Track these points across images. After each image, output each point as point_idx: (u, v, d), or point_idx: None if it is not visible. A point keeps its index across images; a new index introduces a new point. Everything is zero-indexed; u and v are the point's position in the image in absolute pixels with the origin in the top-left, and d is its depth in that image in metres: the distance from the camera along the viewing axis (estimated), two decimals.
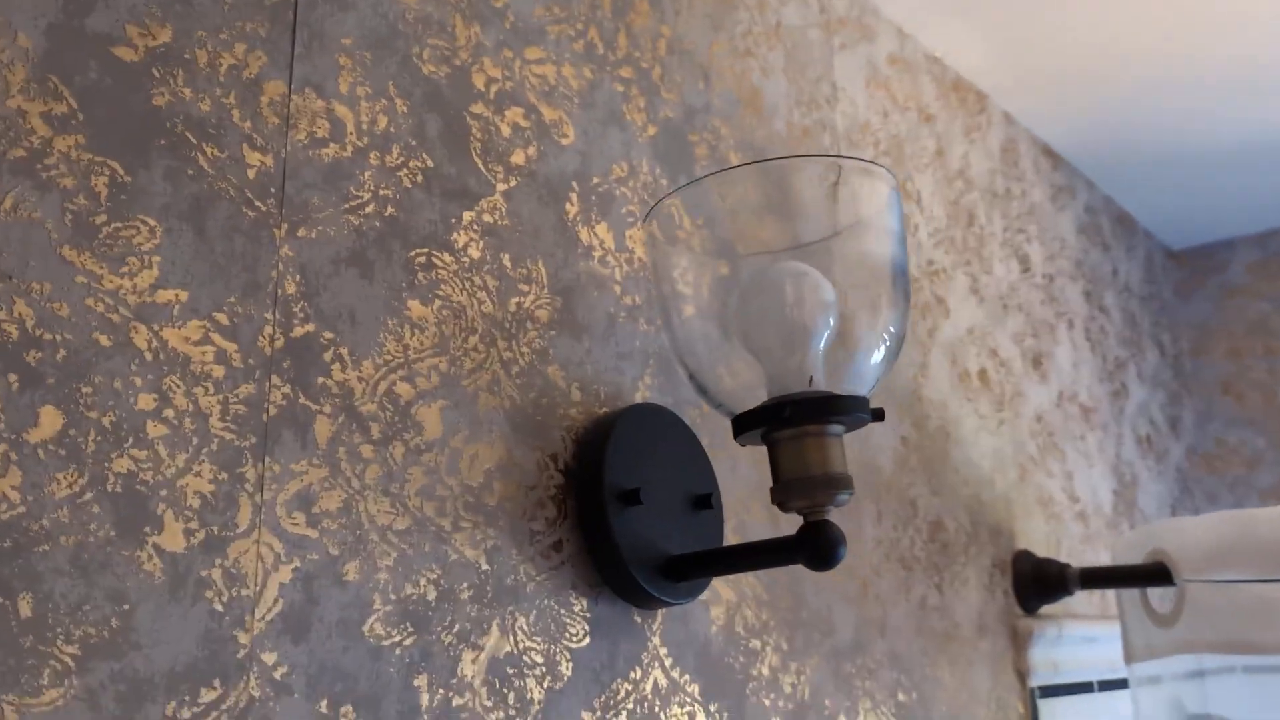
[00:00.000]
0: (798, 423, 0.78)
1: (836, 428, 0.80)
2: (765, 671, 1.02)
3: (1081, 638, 1.55)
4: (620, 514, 0.85)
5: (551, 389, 0.87)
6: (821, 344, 0.82)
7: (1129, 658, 1.43)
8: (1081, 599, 1.63)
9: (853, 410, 0.80)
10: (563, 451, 0.87)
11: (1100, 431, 1.82)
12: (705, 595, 0.97)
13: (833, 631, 1.12)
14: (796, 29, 1.27)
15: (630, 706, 0.87)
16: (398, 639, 0.72)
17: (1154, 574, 1.38)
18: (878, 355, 0.84)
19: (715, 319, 0.84)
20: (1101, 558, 1.68)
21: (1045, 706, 1.46)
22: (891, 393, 1.30)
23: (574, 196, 0.93)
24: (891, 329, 0.85)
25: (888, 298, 0.86)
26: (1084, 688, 1.56)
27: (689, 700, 0.93)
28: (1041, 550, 1.56)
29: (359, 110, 0.78)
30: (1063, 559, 1.61)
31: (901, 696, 1.20)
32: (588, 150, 0.95)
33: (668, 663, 0.92)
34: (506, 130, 0.88)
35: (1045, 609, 1.52)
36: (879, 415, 0.83)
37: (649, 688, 0.89)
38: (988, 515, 1.45)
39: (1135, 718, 1.43)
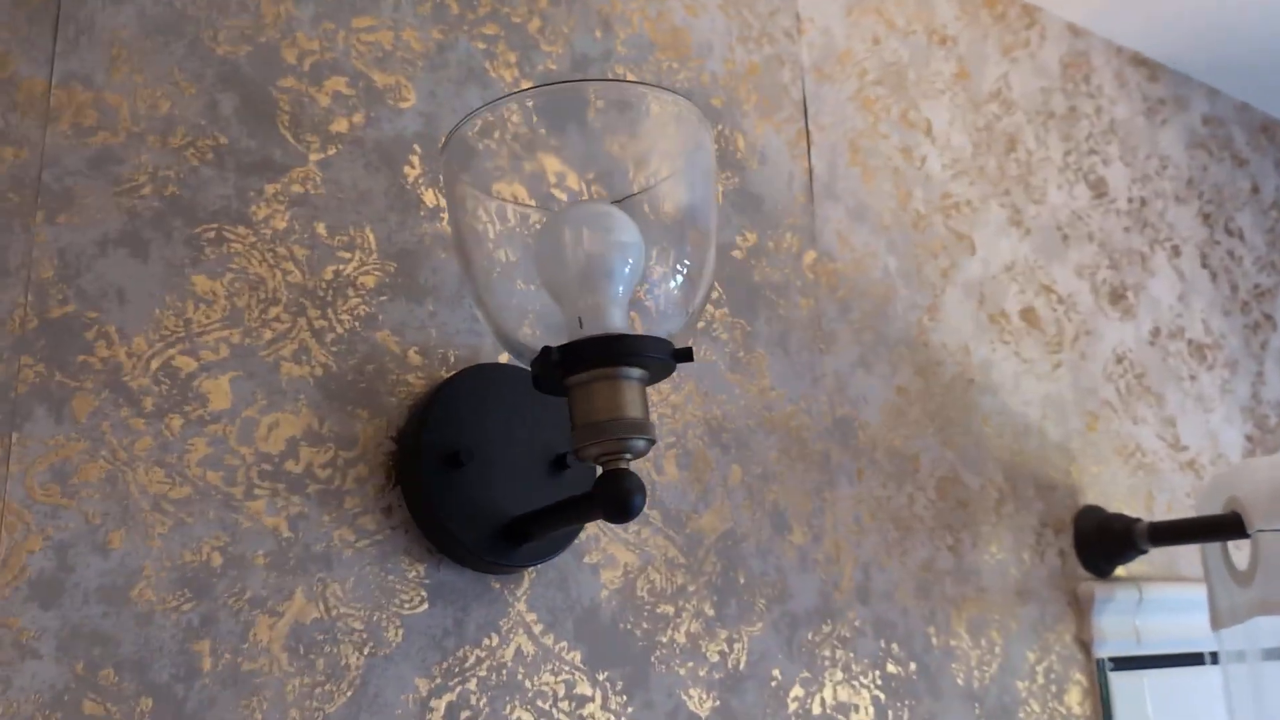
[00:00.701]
0: (578, 368, 0.74)
1: (632, 371, 0.75)
2: (680, 639, 0.97)
3: (1178, 603, 1.36)
4: (442, 478, 0.83)
5: (381, 355, 0.86)
6: (621, 286, 0.77)
7: (1214, 623, 1.24)
8: (1191, 560, 1.44)
9: (642, 351, 0.74)
10: (397, 418, 0.86)
11: (1225, 370, 1.60)
12: (595, 559, 0.93)
13: (786, 597, 1.04)
14: None
15: (483, 674, 0.85)
16: (174, 604, 0.74)
17: (1226, 525, 1.20)
18: (675, 292, 0.78)
19: (517, 262, 0.81)
20: None
21: (1121, 680, 1.30)
22: (884, 339, 1.20)
23: (415, 159, 0.92)
24: (686, 262, 0.79)
25: (690, 235, 0.80)
26: (1189, 659, 1.38)
27: (566, 668, 0.89)
28: (1126, 507, 1.39)
29: (135, 97, 0.80)
30: (1160, 516, 1.42)
31: (892, 668, 1.11)
32: (435, 111, 0.94)
33: (537, 629, 0.89)
34: (325, 100, 0.88)
35: (1127, 570, 1.35)
36: (683, 355, 0.77)
37: (509, 655, 0.87)
38: (1034, 469, 1.30)
39: (1225, 694, 1.25)
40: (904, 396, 1.20)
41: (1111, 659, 1.30)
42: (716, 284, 1.08)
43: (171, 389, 0.77)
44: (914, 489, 1.18)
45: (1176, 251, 1.60)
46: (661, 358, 0.75)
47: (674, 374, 1.02)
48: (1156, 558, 1.39)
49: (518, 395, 0.89)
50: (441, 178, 0.79)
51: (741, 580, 1.02)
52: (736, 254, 1.11)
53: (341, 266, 0.86)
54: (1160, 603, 1.35)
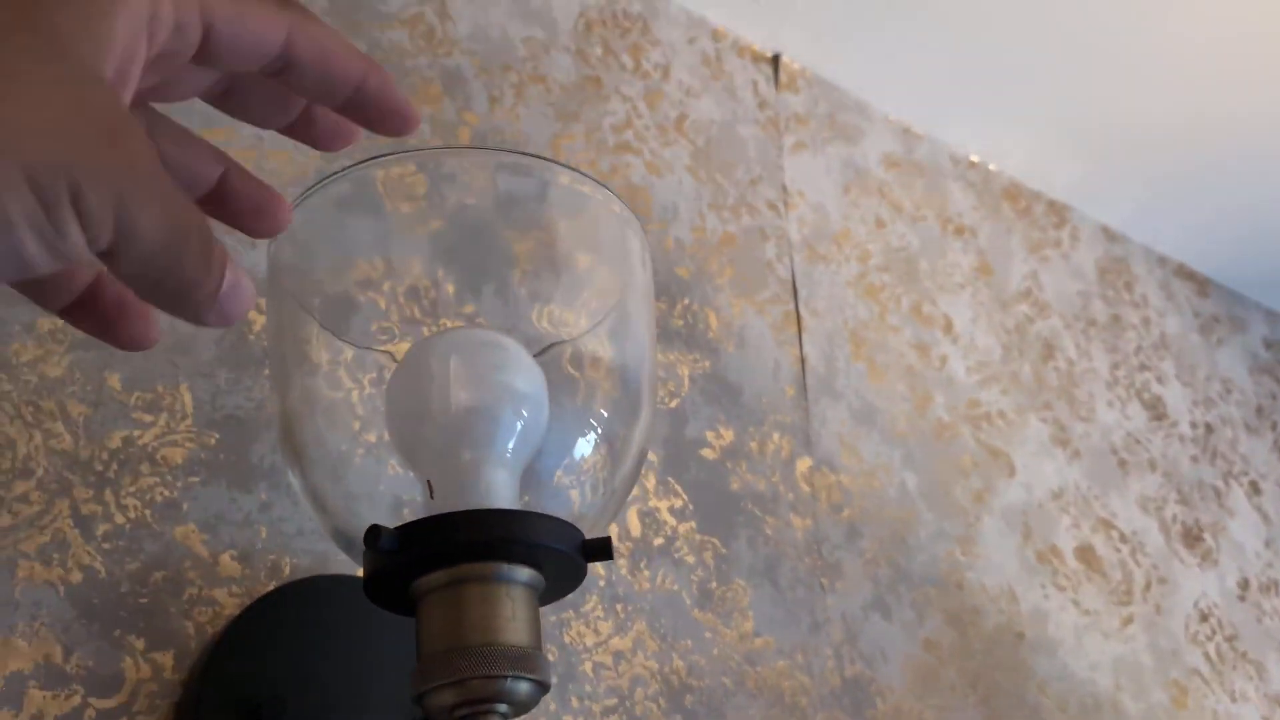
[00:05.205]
0: (426, 563, 0.48)
1: (516, 570, 0.49)
2: None
3: None
4: None
5: (177, 558, 0.60)
6: (509, 445, 0.53)
7: None
8: None
9: (532, 537, 0.48)
10: (193, 652, 0.59)
11: None
12: None
13: None
14: (715, 124, 1.02)
15: None
16: None
17: None
18: (585, 462, 0.54)
19: (362, 411, 0.57)
20: None
21: None
22: (905, 576, 0.93)
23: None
24: (608, 430, 0.55)
25: (623, 391, 0.56)
26: None
27: None
28: None
29: None
30: None
31: None
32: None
33: None
34: None
35: None
36: (599, 550, 0.51)
37: None
38: None
39: None
40: (934, 653, 0.92)
41: None
42: (679, 489, 0.83)
43: None
44: None
45: (1256, 488, 1.33)
46: (564, 550, 0.49)
47: (615, 604, 0.75)
48: None
49: (379, 619, 0.62)
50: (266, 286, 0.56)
51: None
52: (708, 453, 0.86)
53: (137, 433, 0.62)
54: None
